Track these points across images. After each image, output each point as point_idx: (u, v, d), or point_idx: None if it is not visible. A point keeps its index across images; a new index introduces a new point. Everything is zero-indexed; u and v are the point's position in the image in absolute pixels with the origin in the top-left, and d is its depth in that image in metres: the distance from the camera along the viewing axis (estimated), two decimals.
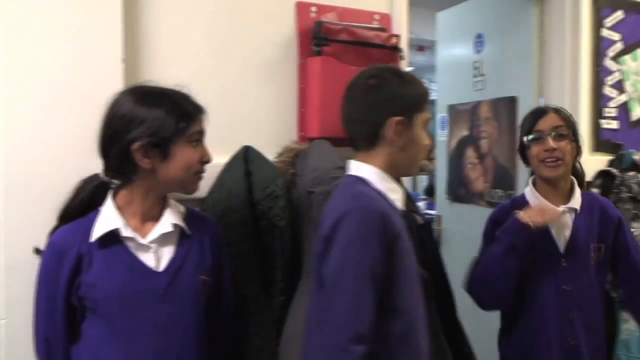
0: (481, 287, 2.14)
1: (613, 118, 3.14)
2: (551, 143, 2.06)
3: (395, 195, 1.65)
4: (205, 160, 1.62)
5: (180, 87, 1.61)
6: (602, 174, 2.92)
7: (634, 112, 3.20)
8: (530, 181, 2.22)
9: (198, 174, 1.62)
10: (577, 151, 2.15)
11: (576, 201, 2.14)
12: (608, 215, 2.18)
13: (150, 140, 1.51)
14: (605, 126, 3.11)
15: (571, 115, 2.17)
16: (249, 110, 2.24)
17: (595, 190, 2.87)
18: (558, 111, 2.14)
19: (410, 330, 1.57)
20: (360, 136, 1.68)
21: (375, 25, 2.47)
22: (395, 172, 1.67)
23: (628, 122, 3.19)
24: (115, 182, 1.62)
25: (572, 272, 2.10)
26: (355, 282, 1.49)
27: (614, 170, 2.89)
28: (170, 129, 1.52)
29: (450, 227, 3.93)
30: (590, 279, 2.13)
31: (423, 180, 8.36)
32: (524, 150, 2.18)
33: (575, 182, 2.19)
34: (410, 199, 2.29)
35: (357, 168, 1.67)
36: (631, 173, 2.86)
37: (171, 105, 1.55)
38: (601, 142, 3.10)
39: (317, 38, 2.26)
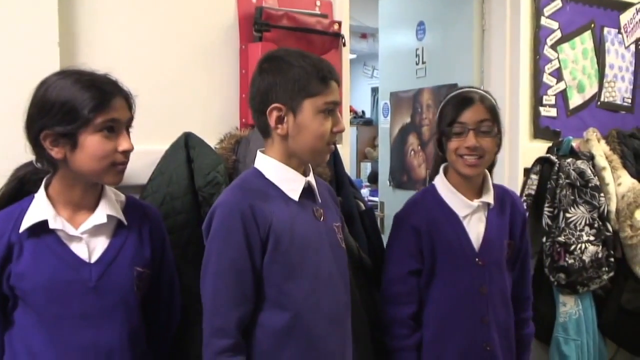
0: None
1: (552, 106, 3.19)
2: (473, 140, 1.89)
3: (291, 185, 1.62)
4: (122, 149, 1.50)
5: (109, 72, 1.52)
6: (541, 161, 2.96)
7: (572, 100, 3.26)
8: (441, 170, 2.06)
9: (116, 164, 1.51)
10: (499, 146, 1.98)
11: (490, 195, 2.01)
12: (518, 210, 2.09)
13: (57, 130, 1.44)
14: (545, 114, 3.15)
15: (496, 103, 1.99)
16: (189, 96, 2.20)
17: (534, 177, 2.92)
18: (484, 100, 1.95)
19: (297, 324, 1.56)
20: (257, 126, 1.65)
21: (316, 11, 2.44)
22: (295, 161, 1.62)
23: (566, 109, 3.25)
24: (46, 169, 1.56)
25: (488, 271, 1.96)
26: (214, 277, 1.54)
27: (553, 157, 2.94)
28: (76, 117, 1.44)
29: (393, 213, 3.93)
30: (504, 278, 2.02)
31: (367, 167, 8.41)
32: (441, 139, 2.00)
33: (488, 173, 2.04)
34: (353, 186, 2.29)
35: (257, 159, 1.66)
36: (569, 160, 2.91)
37: (81, 91, 1.45)
38: (540, 130, 3.14)
39: (257, 24, 2.23)
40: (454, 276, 1.97)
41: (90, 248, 1.53)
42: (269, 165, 1.62)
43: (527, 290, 2.14)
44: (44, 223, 1.49)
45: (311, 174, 1.67)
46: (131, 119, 1.55)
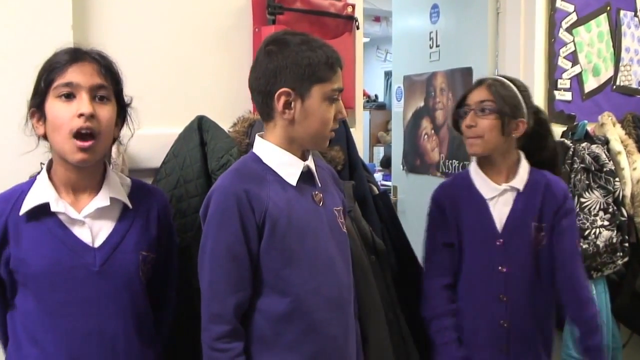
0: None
1: (567, 89, 3.16)
2: (469, 119, 2.00)
3: (287, 169, 1.60)
4: (77, 113, 1.40)
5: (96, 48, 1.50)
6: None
7: (587, 84, 3.24)
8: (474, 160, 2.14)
9: (77, 136, 1.41)
10: (506, 129, 1.99)
11: (519, 180, 2.05)
12: (552, 193, 2.06)
13: (35, 103, 1.43)
14: (559, 97, 3.13)
15: (521, 90, 2.05)
16: (202, 80, 2.20)
17: None
18: (493, 85, 2.02)
19: (297, 309, 1.56)
20: (258, 108, 1.62)
21: None
22: (296, 146, 1.61)
23: (581, 93, 3.22)
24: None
25: (508, 252, 2.02)
26: (210, 263, 1.54)
27: (568, 142, 2.92)
28: (40, 87, 1.42)
29: (406, 198, 3.94)
30: (527, 259, 2.03)
31: (380, 151, 8.39)
32: (457, 122, 2.12)
33: (523, 158, 2.09)
34: (366, 170, 2.29)
35: (256, 144, 1.64)
36: (584, 144, 2.90)
37: (51, 60, 1.44)
38: (555, 113, 3.12)
39: (271, 6, 2.23)
40: (474, 253, 2.06)
41: (93, 232, 1.49)
42: (267, 150, 1.61)
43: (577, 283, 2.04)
44: (45, 206, 1.45)
45: (310, 157, 1.66)
46: (102, 86, 1.45)
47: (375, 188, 2.28)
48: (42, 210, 1.45)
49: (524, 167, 2.08)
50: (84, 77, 1.42)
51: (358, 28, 2.46)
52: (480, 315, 2.05)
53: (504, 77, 2.11)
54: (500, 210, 2.05)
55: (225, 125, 2.10)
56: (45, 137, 1.46)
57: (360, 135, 2.53)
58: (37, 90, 1.43)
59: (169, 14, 2.13)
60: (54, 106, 1.41)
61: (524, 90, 2.07)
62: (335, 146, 2.15)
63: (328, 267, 1.62)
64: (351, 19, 2.42)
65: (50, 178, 1.49)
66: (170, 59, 2.11)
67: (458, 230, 2.08)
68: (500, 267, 2.00)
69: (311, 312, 1.57)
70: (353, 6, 2.42)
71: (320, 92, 1.56)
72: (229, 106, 2.19)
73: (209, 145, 1.97)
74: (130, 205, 1.55)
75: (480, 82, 2.05)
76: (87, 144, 1.41)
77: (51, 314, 1.45)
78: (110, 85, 1.47)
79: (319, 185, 1.67)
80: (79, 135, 1.40)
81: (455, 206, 2.09)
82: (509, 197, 2.05)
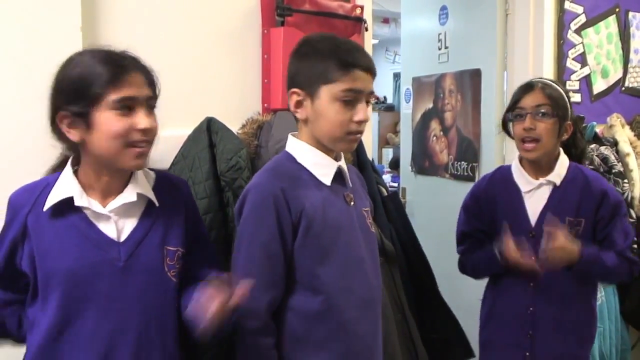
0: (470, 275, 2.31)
1: (576, 91, 3.16)
2: (528, 122, 2.02)
3: (322, 170, 1.62)
4: (140, 127, 1.40)
5: (128, 50, 1.45)
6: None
7: (596, 85, 3.23)
8: (517, 154, 2.18)
9: (132, 145, 1.41)
10: (561, 131, 2.06)
11: (557, 174, 2.09)
12: (591, 188, 2.09)
13: (71, 109, 1.38)
14: None
15: (564, 92, 2.11)
16: (211, 81, 2.21)
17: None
18: (545, 88, 2.06)
19: (329, 308, 1.58)
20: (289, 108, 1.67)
21: None
22: (323, 145, 1.63)
23: (590, 95, 3.22)
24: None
25: (538, 244, 1.99)
26: (245, 260, 1.57)
27: None
28: (88, 94, 1.37)
29: (415, 199, 3.94)
30: None
31: (389, 153, 8.39)
32: (506, 124, 2.17)
33: (562, 153, 2.13)
34: (375, 171, 2.30)
35: (289, 143, 1.67)
36: (593, 145, 2.90)
37: (95, 66, 1.38)
38: None
39: (280, 8, 2.23)
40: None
41: (119, 227, 1.46)
42: (301, 149, 1.63)
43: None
44: (69, 201, 1.42)
45: (342, 159, 1.68)
46: (152, 97, 1.46)
47: (384, 190, 2.29)
48: (67, 205, 1.43)
49: (563, 162, 2.13)
50: (138, 90, 1.41)
51: (367, 29, 2.46)
52: (507, 300, 2.15)
53: (544, 78, 2.22)
54: (535, 204, 2.11)
55: (234, 127, 2.11)
56: (74, 143, 1.44)
57: (369, 136, 2.53)
58: (74, 97, 1.39)
59: (177, 15, 2.14)
60: (109, 119, 1.38)
61: (567, 92, 2.13)
62: None
63: (359, 266, 1.64)
64: (360, 20, 2.42)
65: (76, 178, 1.46)
66: (178, 60, 2.12)
67: (492, 221, 2.16)
68: (531, 257, 2.01)
69: (342, 311, 1.59)
70: (362, 7, 2.43)
71: (329, 92, 1.56)
72: (238, 108, 2.20)
73: (217, 147, 1.98)
74: (156, 202, 1.52)
75: (532, 86, 2.08)
76: (143, 150, 1.44)
77: (73, 309, 1.42)
78: (154, 94, 1.48)
79: (350, 185, 1.70)
80: (135, 144, 1.42)
81: (492, 198, 2.19)
82: (545, 191, 2.11)
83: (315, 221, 1.56)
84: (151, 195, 1.51)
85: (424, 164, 3.86)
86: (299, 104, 1.59)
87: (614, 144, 2.98)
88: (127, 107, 1.40)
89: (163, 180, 1.59)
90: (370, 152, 2.47)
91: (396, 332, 2.00)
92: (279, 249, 1.55)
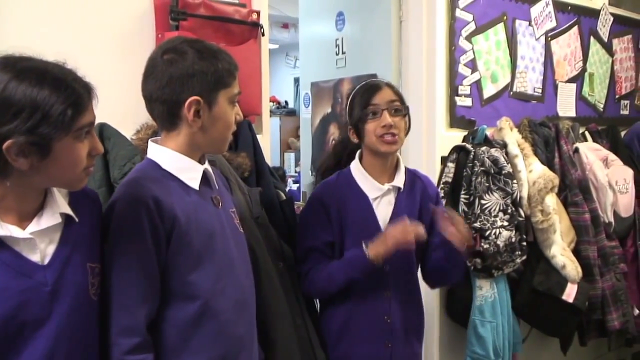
0: (316, 294, 2.19)
1: (467, 95, 3.26)
2: (388, 119, 2.03)
3: (189, 174, 1.60)
4: (95, 153, 1.39)
5: (61, 61, 1.36)
6: (457, 149, 3.04)
7: (486, 90, 3.35)
8: (357, 156, 2.18)
9: (87, 169, 1.38)
10: (408, 127, 2.14)
11: (400, 179, 2.14)
12: (428, 191, 2.20)
13: (27, 139, 1.23)
14: (460, 103, 3.23)
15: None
16: (104, 86, 2.09)
17: (450, 165, 3.00)
18: (391, 86, 2.13)
19: (205, 313, 1.55)
20: (161, 117, 1.59)
21: (235, 0, 2.43)
22: (197, 151, 1.62)
23: (481, 99, 3.33)
24: None
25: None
26: (120, 274, 1.48)
27: (468, 146, 3.02)
28: (54, 123, 1.24)
29: None
30: (408, 256, 2.11)
31: (291, 157, 8.42)
32: (357, 125, 2.10)
33: (400, 158, 2.18)
34: (273, 176, 2.30)
35: (153, 151, 1.61)
36: (484, 148, 2.99)
37: (56, 89, 1.26)
38: (456, 119, 3.22)
39: (174, 12, 2.20)
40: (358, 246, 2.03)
41: (41, 250, 1.34)
42: (166, 156, 1.59)
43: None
44: None
45: (206, 162, 1.67)
46: None
47: (282, 194, 2.29)
48: None
49: (401, 165, 2.18)
50: (93, 113, 1.38)
51: (263, 35, 2.46)
52: (365, 312, 2.10)
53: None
54: (383, 210, 2.13)
55: (128, 132, 2.07)
56: (10, 171, 1.28)
57: (267, 141, 2.54)
58: (37, 125, 1.24)
59: (69, 18, 2.08)
60: (73, 146, 1.31)
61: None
62: (242, 152, 2.15)
63: (231, 268, 1.63)
64: (256, 25, 2.42)
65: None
66: (70, 63, 2.05)
67: (341, 230, 2.11)
68: (384, 266, 2.03)
69: (219, 314, 1.57)
70: (258, 13, 2.43)
71: (226, 97, 1.58)
72: (131, 113, 2.13)
73: (110, 153, 1.94)
74: (76, 218, 1.42)
75: (379, 85, 2.10)
76: (91, 171, 1.43)
77: (13, 345, 1.29)
78: None
79: (217, 188, 1.69)
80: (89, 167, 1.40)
81: (341, 206, 2.12)
82: (391, 197, 2.14)
83: (189, 227, 1.54)
84: (70, 212, 1.41)
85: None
86: (197, 113, 1.54)
87: (504, 146, 3.10)
88: (89, 131, 1.35)
89: (76, 194, 1.47)
90: (269, 156, 2.47)
91: (295, 336, 2.01)
92: (153, 259, 1.50)
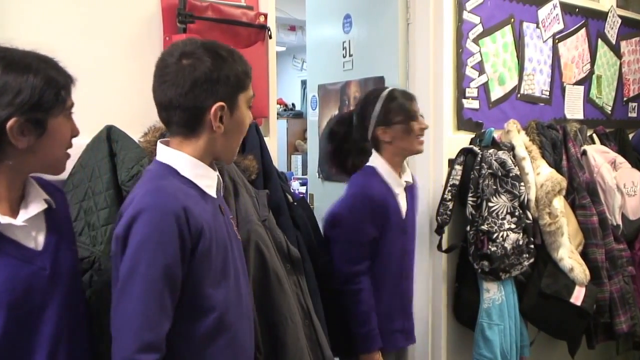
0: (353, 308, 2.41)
1: (474, 98, 3.26)
2: (425, 123, 2.45)
3: (207, 181, 1.56)
4: (75, 134, 1.46)
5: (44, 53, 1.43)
6: (465, 152, 3.03)
7: (493, 92, 3.35)
8: (376, 154, 2.46)
9: (67, 151, 1.47)
10: None
11: (409, 175, 2.54)
12: (416, 184, 2.63)
13: (28, 116, 1.31)
14: (467, 106, 3.22)
15: None
16: (112, 89, 2.15)
17: (458, 168, 2.99)
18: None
19: (219, 326, 1.52)
20: (180, 123, 1.53)
21: (242, 3, 2.43)
22: (210, 157, 1.58)
23: (488, 101, 3.33)
24: None
25: (411, 238, 2.55)
26: (144, 288, 1.40)
27: (475, 148, 3.01)
28: (51, 100, 1.35)
29: (322, 205, 3.95)
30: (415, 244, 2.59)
31: (298, 160, 8.41)
32: (393, 126, 2.41)
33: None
34: (280, 178, 2.30)
35: (168, 155, 1.55)
36: (491, 150, 2.99)
37: (48, 72, 1.36)
38: (463, 121, 3.21)
39: (181, 15, 2.20)
40: (394, 239, 2.44)
41: (34, 236, 1.40)
42: (184, 162, 1.53)
43: None
44: None
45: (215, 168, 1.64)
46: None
47: (290, 197, 2.29)
48: None
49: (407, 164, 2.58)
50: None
51: (271, 37, 2.46)
52: (396, 290, 2.47)
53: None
54: (402, 202, 2.47)
55: (136, 135, 2.06)
56: (7, 151, 1.34)
57: (274, 143, 2.54)
58: (35, 102, 1.35)
59: (77, 20, 2.08)
60: (64, 123, 1.44)
61: None
62: (249, 155, 2.16)
63: (237, 278, 1.60)
64: (264, 28, 2.42)
65: None
66: (78, 67, 2.04)
67: (382, 225, 2.39)
68: (406, 254, 2.50)
69: (230, 325, 1.55)
70: (265, 15, 2.43)
71: (244, 100, 1.56)
72: (139, 115, 2.14)
73: (118, 156, 1.92)
74: (53, 204, 1.47)
75: (412, 94, 2.52)
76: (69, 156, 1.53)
77: (14, 323, 1.34)
78: None
79: (221, 195, 1.67)
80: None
81: (385, 201, 2.40)
82: (403, 190, 2.49)
83: (211, 239, 1.49)
84: (49, 198, 1.47)
85: (331, 170, 3.88)
86: (221, 119, 1.51)
87: (511, 148, 3.09)
88: (71, 113, 1.45)
89: (45, 184, 1.52)
90: (277, 159, 2.47)
91: (305, 338, 2.01)
92: (179, 272, 1.43)
